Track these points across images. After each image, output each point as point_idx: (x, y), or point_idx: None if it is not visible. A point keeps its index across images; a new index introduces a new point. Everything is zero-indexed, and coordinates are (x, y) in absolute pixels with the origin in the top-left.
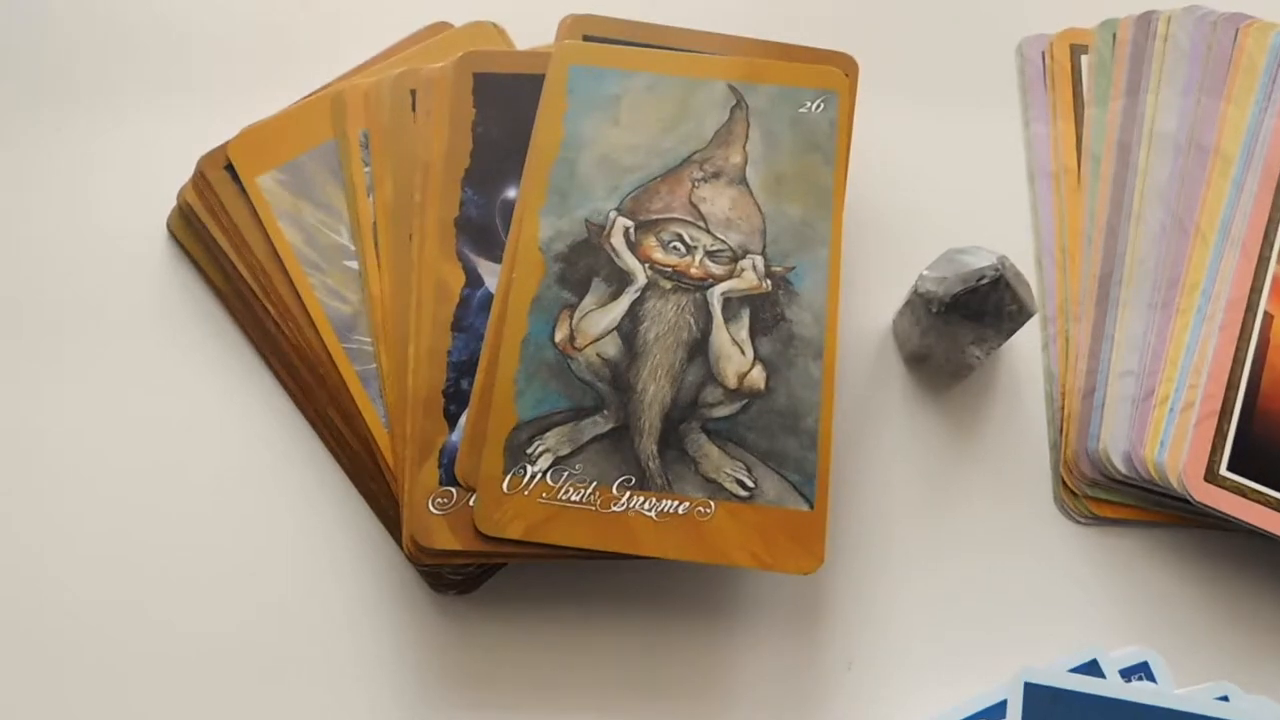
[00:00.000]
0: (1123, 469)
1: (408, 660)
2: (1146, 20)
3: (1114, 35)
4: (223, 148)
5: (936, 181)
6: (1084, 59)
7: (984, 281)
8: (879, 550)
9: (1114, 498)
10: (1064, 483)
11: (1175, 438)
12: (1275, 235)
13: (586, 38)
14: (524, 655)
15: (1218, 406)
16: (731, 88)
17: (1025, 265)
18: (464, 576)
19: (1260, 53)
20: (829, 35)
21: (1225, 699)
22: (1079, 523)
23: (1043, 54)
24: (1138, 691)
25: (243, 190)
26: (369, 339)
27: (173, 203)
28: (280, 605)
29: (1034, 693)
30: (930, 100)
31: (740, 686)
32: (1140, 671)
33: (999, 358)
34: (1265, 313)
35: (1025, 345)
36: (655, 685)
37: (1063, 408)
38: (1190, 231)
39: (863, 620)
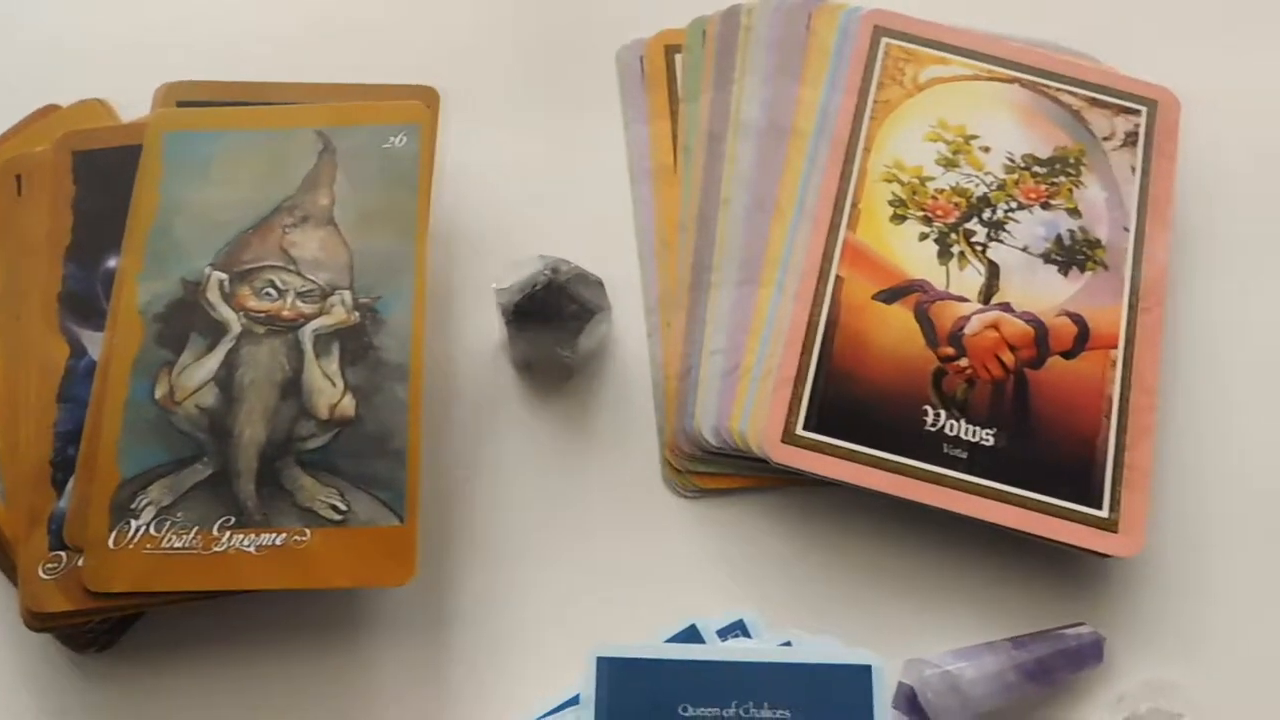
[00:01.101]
0: (714, 441)
1: None
2: (732, 14)
3: (703, 32)
4: None
5: (542, 194)
6: (678, 58)
7: (537, 288)
8: (499, 551)
9: (713, 469)
10: (669, 462)
11: (757, 405)
12: (844, 203)
13: (180, 103)
14: (172, 702)
15: (793, 371)
16: (319, 133)
17: (630, 262)
18: (96, 634)
19: (830, 34)
20: (426, 70)
21: (788, 644)
22: (686, 497)
23: (639, 58)
24: (706, 649)
25: None
26: None
27: None
28: None
29: (611, 669)
30: (535, 118)
31: (378, 698)
32: (737, 630)
33: (609, 351)
34: (837, 276)
35: (632, 337)
36: (301, 710)
37: (668, 392)
38: (770, 211)
39: (486, 618)
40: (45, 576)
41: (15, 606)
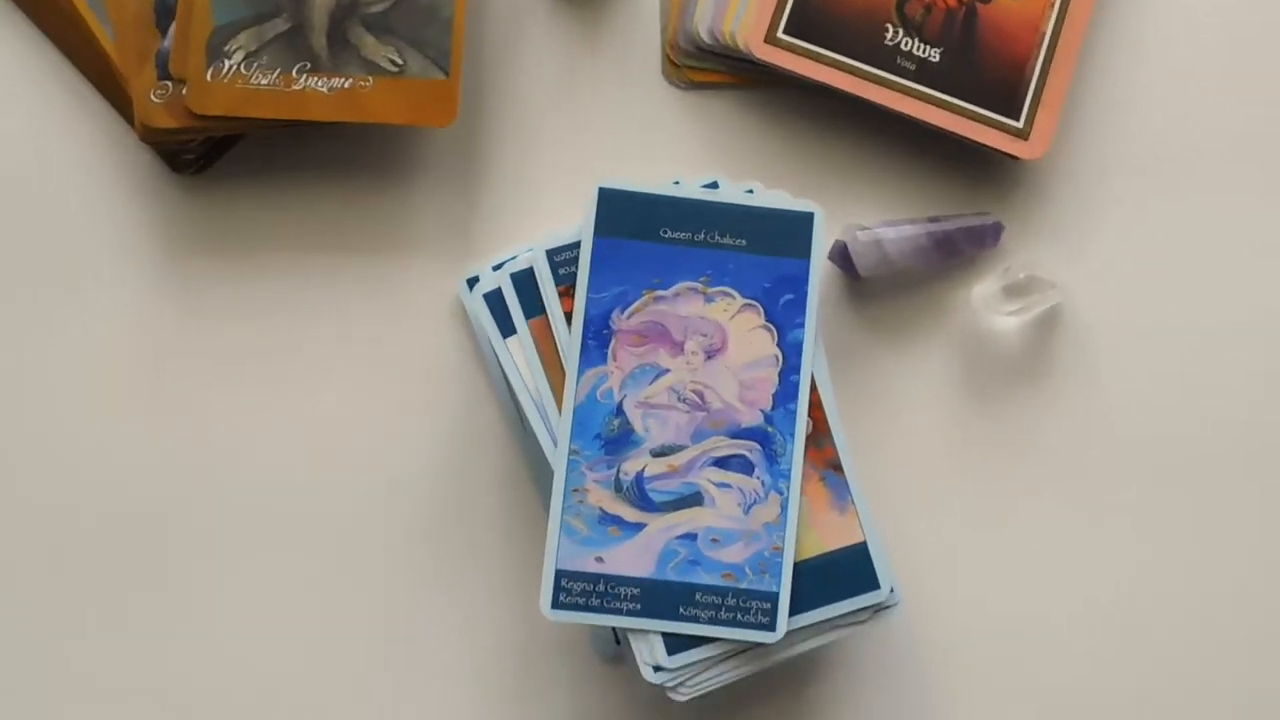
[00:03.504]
0: (708, 40)
1: (159, 232)
2: None
3: None
4: None
5: None
6: None
7: None
8: (524, 111)
9: (705, 65)
10: (669, 58)
11: (746, 11)
12: None
13: None
14: (251, 219)
15: None
16: None
17: None
18: (195, 155)
19: None
20: None
21: (751, 191)
22: (680, 89)
23: None
24: (685, 190)
25: None
26: None
27: None
28: (41, 192)
29: (610, 198)
30: None
31: (420, 217)
32: (712, 187)
33: None
34: None
35: None
36: (358, 229)
37: (672, 2)
38: None
39: (509, 163)
40: (155, 100)
41: (126, 138)
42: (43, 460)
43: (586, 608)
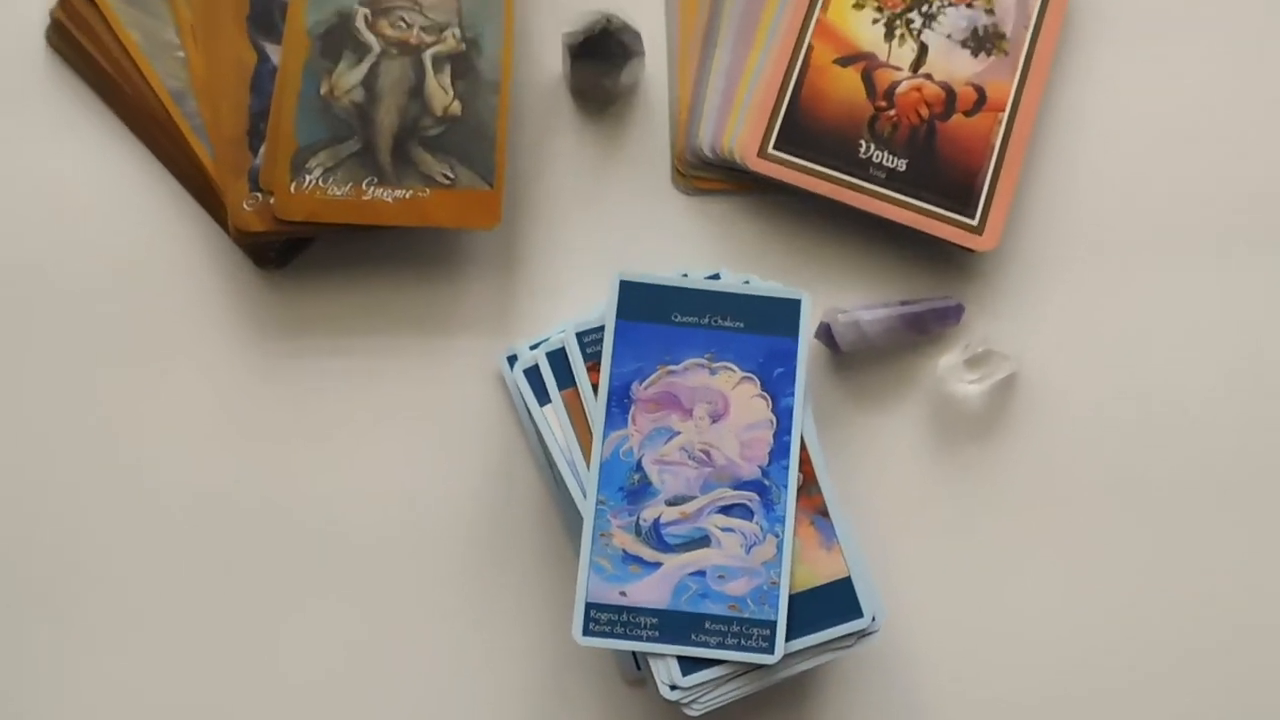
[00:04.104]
0: (710, 154)
1: (245, 315)
2: None
3: None
4: None
5: None
6: None
7: (594, 32)
8: (553, 216)
9: (708, 174)
10: (677, 169)
11: (742, 129)
12: None
13: None
14: (321, 306)
15: (770, 107)
16: None
17: (658, 21)
18: (276, 252)
19: None
20: None
21: (748, 281)
22: (687, 194)
23: None
24: (692, 280)
25: (96, 6)
26: (195, 103)
27: (47, 20)
28: (148, 283)
29: (629, 289)
30: None
31: (466, 301)
32: (715, 277)
33: (641, 89)
34: (809, 44)
35: (656, 82)
36: (414, 311)
37: (680, 119)
38: None
39: (542, 259)
40: (247, 208)
41: (219, 240)
42: (146, 503)
43: (612, 634)
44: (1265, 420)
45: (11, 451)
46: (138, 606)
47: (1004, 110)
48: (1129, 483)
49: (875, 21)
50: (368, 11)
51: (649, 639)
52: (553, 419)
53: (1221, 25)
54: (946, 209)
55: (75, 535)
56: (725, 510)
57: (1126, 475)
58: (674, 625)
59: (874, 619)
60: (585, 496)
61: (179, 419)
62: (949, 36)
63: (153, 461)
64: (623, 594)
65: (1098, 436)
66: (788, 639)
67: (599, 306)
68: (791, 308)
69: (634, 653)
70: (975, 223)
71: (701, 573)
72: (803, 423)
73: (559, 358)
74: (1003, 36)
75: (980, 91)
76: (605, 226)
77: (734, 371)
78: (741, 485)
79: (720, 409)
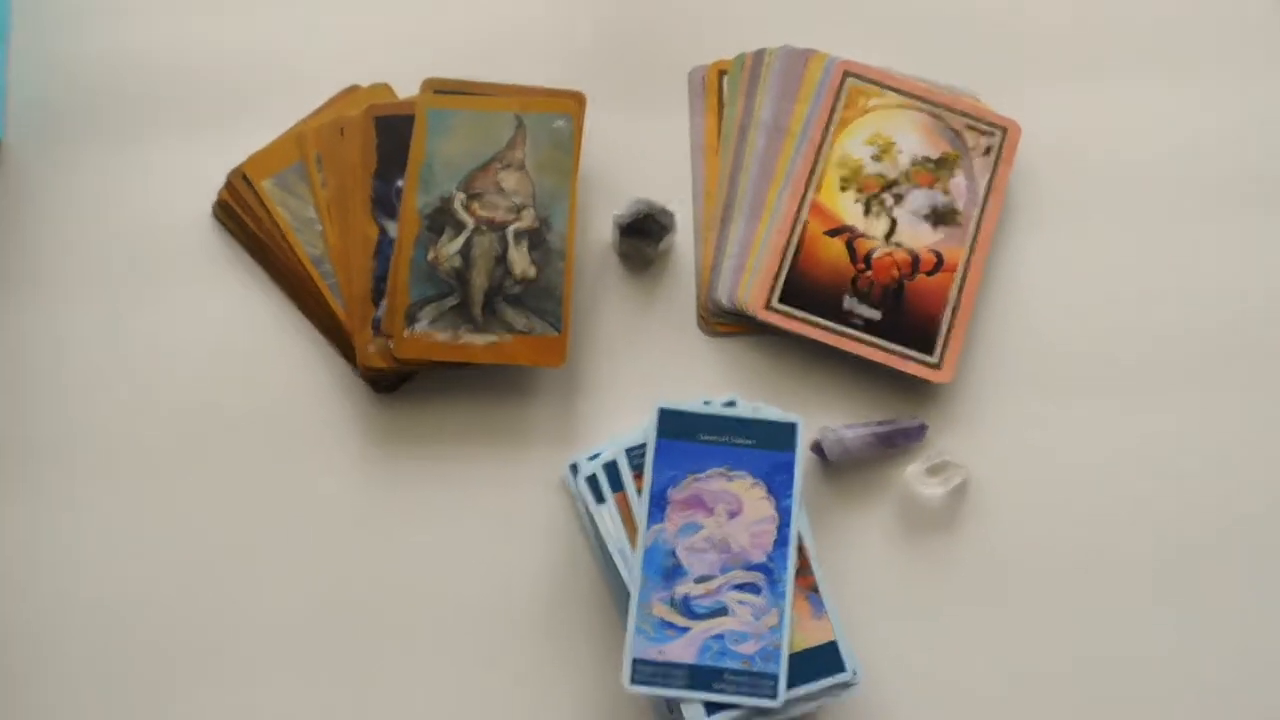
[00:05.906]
0: (728, 305)
1: (362, 430)
2: (759, 54)
3: (742, 64)
4: (241, 165)
5: (641, 160)
6: (724, 78)
7: (639, 215)
8: (610, 354)
9: (727, 321)
10: (701, 316)
11: (752, 287)
12: (813, 178)
13: (436, 90)
14: (428, 425)
15: (775, 269)
16: (515, 115)
17: (686, 202)
18: (389, 381)
19: (816, 72)
20: (567, 80)
21: (757, 407)
22: (709, 336)
23: (702, 77)
24: (713, 407)
25: (254, 190)
26: (330, 266)
27: (214, 198)
28: (294, 407)
29: (665, 414)
30: (640, 114)
31: (539, 420)
32: (732, 403)
33: (673, 253)
34: (805, 221)
35: (685, 246)
36: (496, 425)
37: (703, 278)
38: (771, 178)
39: (598, 388)
40: (371, 349)
41: (346, 373)
42: (277, 576)
43: (652, 683)
44: (1175, 511)
45: (187, 533)
46: (263, 656)
47: (958, 271)
48: (1064, 570)
49: (856, 201)
50: (464, 196)
51: (680, 687)
52: (607, 516)
53: (1131, 207)
54: (913, 349)
55: (220, 600)
56: (739, 587)
57: (1061, 564)
58: (700, 677)
59: (854, 674)
60: (632, 576)
61: (312, 509)
62: (914, 212)
63: (287, 546)
64: (660, 652)
65: (1037, 532)
66: (788, 688)
67: (641, 425)
68: (790, 429)
69: (667, 699)
70: (935, 360)
71: (721, 636)
72: (799, 519)
73: (611, 468)
74: (956, 212)
75: (939, 256)
76: (645, 362)
77: (746, 479)
78: (751, 568)
79: (736, 508)
